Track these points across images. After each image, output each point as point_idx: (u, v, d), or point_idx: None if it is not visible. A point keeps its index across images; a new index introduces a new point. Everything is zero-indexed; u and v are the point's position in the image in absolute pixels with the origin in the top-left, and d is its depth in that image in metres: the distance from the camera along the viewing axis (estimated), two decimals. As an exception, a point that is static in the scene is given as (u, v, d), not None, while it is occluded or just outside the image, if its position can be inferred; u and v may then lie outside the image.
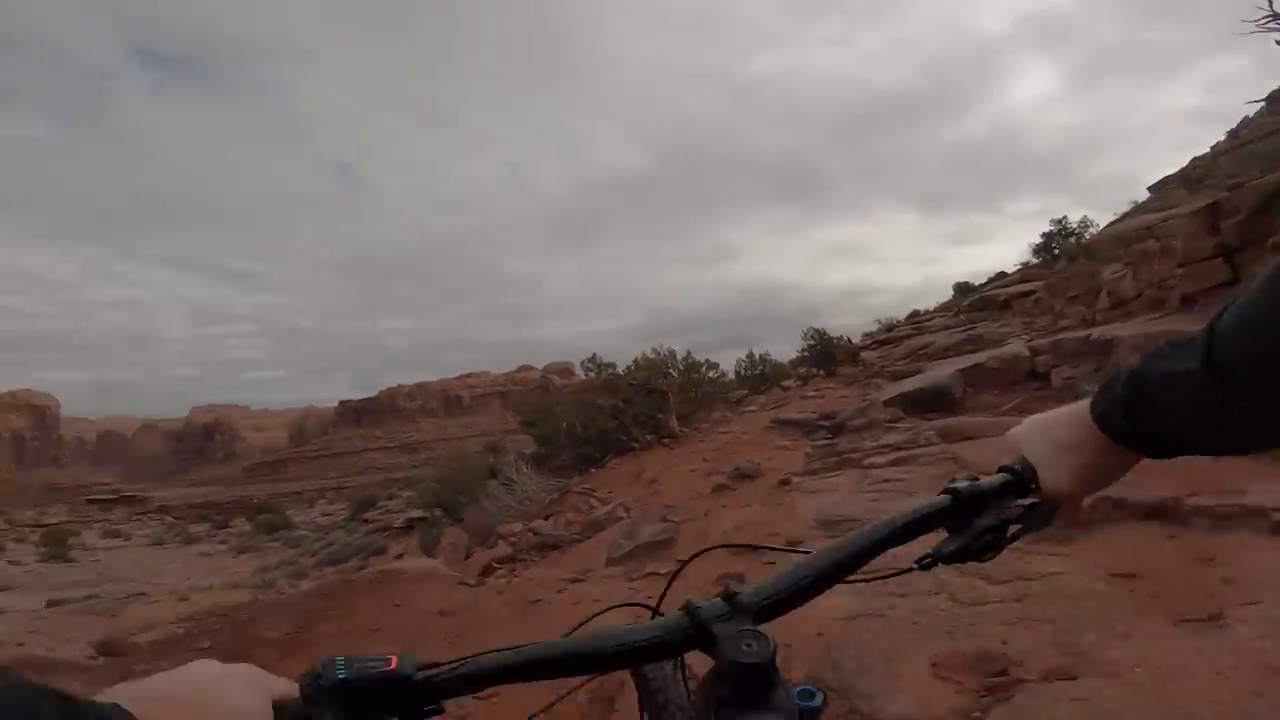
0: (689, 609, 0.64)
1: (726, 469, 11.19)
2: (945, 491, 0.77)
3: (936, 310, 37.70)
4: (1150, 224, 25.76)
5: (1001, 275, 38.47)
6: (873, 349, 28.45)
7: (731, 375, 27.51)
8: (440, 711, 0.61)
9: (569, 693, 0.76)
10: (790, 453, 12.66)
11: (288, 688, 0.57)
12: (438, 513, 17.95)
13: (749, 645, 0.57)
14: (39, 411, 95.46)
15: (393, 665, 0.57)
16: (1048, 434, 0.77)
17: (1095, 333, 12.91)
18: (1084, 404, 0.74)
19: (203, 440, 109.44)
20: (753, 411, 20.54)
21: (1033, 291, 27.72)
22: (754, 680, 0.57)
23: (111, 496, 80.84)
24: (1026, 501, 0.77)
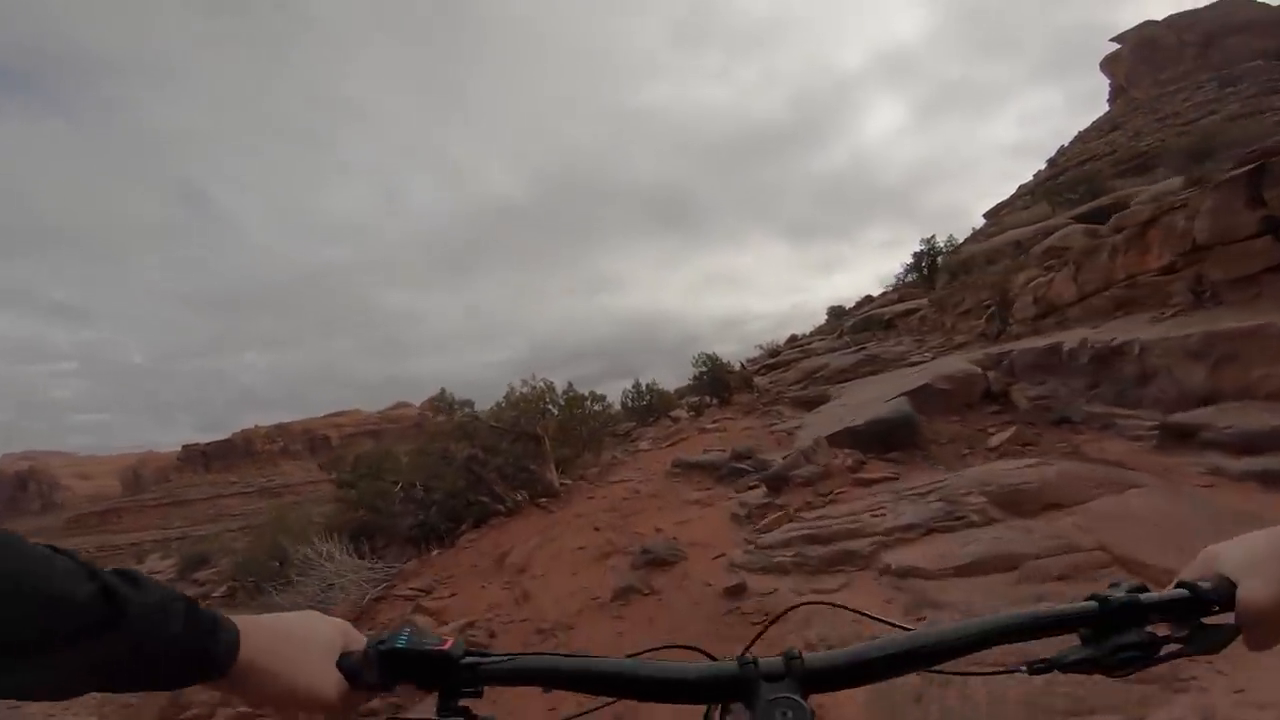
0: (741, 660, 0.61)
1: (629, 547, 7.48)
2: (1091, 597, 0.66)
3: (814, 334, 37.12)
4: (1021, 238, 25.23)
5: (870, 298, 38.24)
6: (762, 374, 26.55)
7: (618, 407, 24.17)
8: (479, 695, 0.65)
9: (599, 707, 0.70)
10: (709, 511, 9.14)
11: (357, 640, 0.67)
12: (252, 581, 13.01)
13: (785, 714, 0.54)
14: None
15: (446, 646, 0.64)
16: (1252, 545, 0.66)
17: (1061, 339, 10.40)
18: None
19: (15, 490, 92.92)
20: (646, 450, 17.04)
21: (917, 310, 26.74)
22: None
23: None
24: (1197, 623, 0.65)
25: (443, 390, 11.44)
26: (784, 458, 9.51)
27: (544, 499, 10.96)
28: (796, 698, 0.56)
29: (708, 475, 12.40)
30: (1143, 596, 0.65)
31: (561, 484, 11.55)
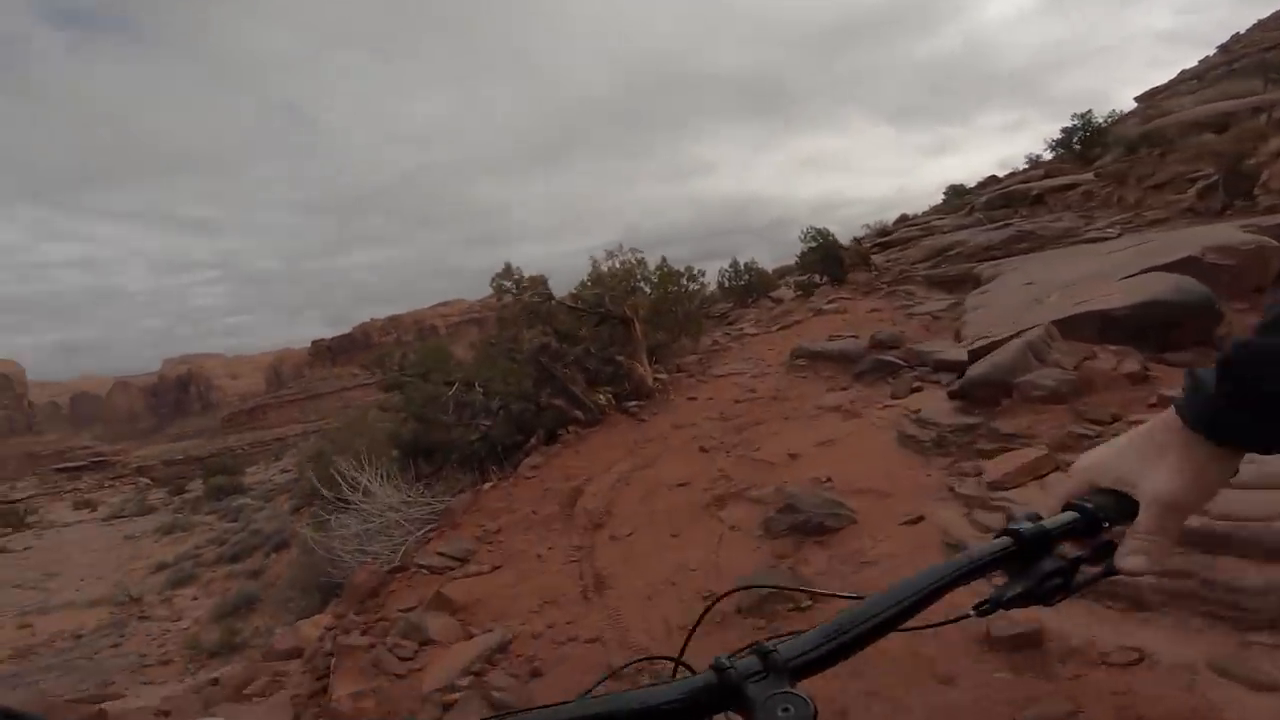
0: (717, 666, 0.55)
1: (755, 489, 4.76)
2: (1004, 533, 0.65)
3: (929, 213, 32.48)
4: (1235, 109, 19.78)
5: (996, 178, 33.71)
6: (875, 253, 22.67)
7: (713, 288, 21.28)
8: None
9: None
10: (860, 427, 6.33)
11: None
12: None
13: (786, 710, 0.50)
14: (4, 381, 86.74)
15: None
16: (1131, 450, 0.67)
17: None
18: (1166, 413, 0.65)
19: (178, 393, 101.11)
20: (753, 335, 14.10)
21: (1076, 184, 21.60)
22: None
23: (81, 464, 73.64)
24: (1099, 540, 0.65)
25: (507, 265, 8.86)
26: (973, 351, 6.36)
27: (633, 402, 8.33)
28: (792, 690, 0.51)
29: (841, 369, 9.40)
30: (1046, 522, 0.64)
31: (656, 380, 8.85)
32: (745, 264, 24.89)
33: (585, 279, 9.73)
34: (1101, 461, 0.68)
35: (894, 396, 7.21)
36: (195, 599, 14.01)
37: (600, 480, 6.01)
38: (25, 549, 33.45)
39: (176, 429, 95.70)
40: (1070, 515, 0.66)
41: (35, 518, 47.18)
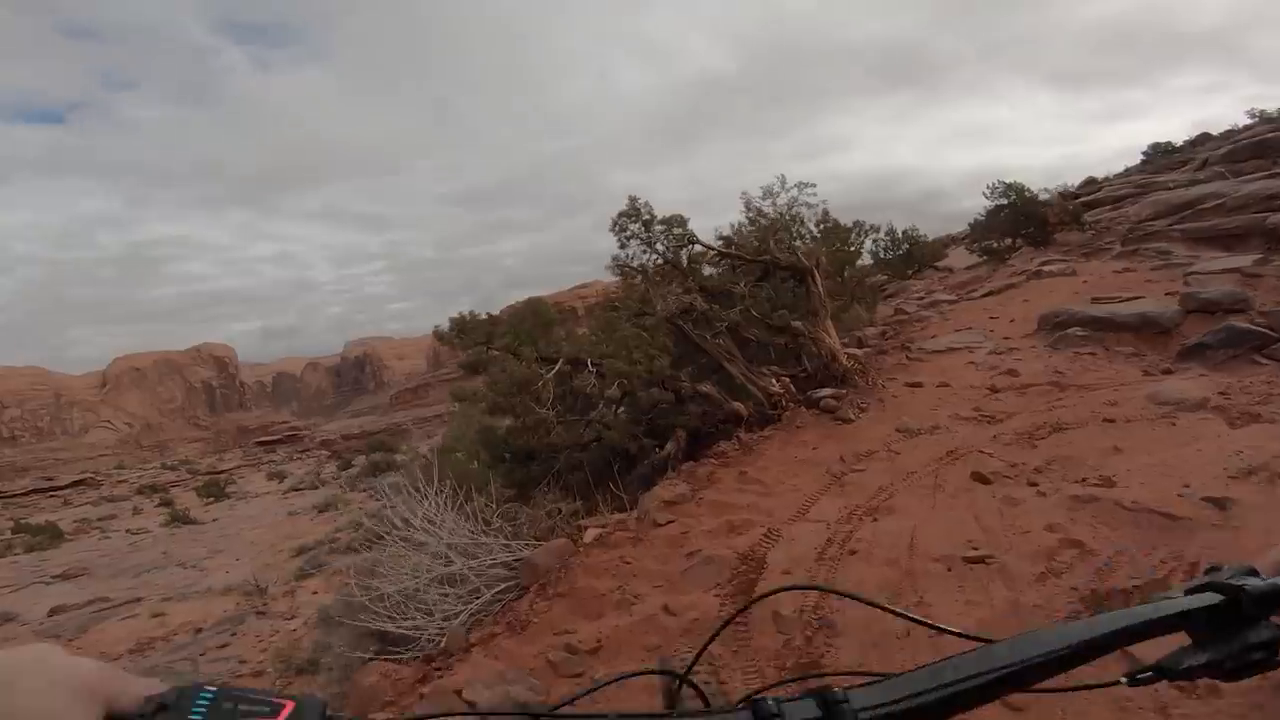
0: (758, 712, 0.40)
1: (1132, 572, 1.62)
2: (1206, 586, 0.48)
3: (1128, 174, 26.87)
4: None
5: (1209, 135, 27.28)
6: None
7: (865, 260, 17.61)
8: None
9: None
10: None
11: (133, 701, 0.36)
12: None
13: None
14: (220, 363, 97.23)
15: (282, 714, 0.35)
16: None
17: None
18: None
19: (356, 373, 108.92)
20: (951, 303, 10.36)
21: None
22: None
23: (277, 438, 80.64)
24: None
25: (632, 201, 6.01)
26: None
27: (824, 391, 5.22)
28: None
29: (1148, 343, 5.74)
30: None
31: (851, 358, 5.70)
32: (904, 231, 20.82)
33: (739, 222, 6.67)
34: None
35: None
36: (315, 593, 12.59)
37: (793, 539, 3.02)
38: (213, 520, 35.33)
39: (355, 406, 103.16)
40: None
41: (234, 487, 51.14)
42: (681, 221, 6.15)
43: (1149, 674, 0.46)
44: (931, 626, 0.54)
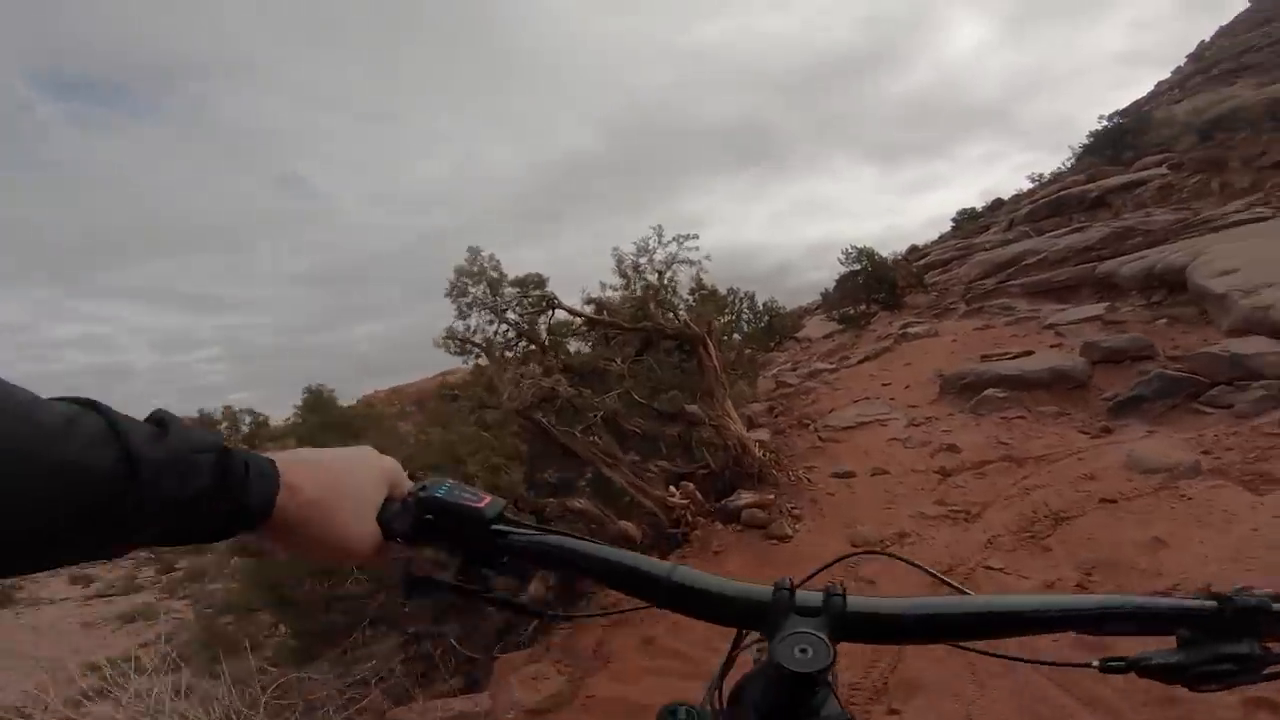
0: (778, 587, 0.48)
1: None
2: (1212, 595, 0.48)
3: (944, 239, 29.62)
4: None
5: (1000, 201, 31.44)
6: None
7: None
8: (503, 567, 0.53)
9: (632, 610, 0.56)
10: None
11: (406, 486, 0.55)
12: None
13: (803, 651, 0.43)
14: None
15: (481, 504, 0.52)
16: None
17: None
18: None
19: None
20: (832, 371, 9.74)
21: (1144, 181, 18.48)
22: (796, 689, 0.43)
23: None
24: None
25: (472, 254, 4.55)
26: None
27: (744, 497, 3.91)
28: (821, 635, 0.44)
29: (1069, 400, 5.06)
30: (1275, 605, 0.46)
31: (761, 445, 4.49)
32: (765, 303, 20.98)
33: (613, 284, 5.42)
34: None
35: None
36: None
37: None
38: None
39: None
40: None
41: (24, 593, 40.96)
42: (539, 282, 4.78)
43: (1121, 664, 0.47)
44: (938, 577, 0.62)
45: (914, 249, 28.23)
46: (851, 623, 0.46)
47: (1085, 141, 25.59)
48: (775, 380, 10.24)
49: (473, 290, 4.67)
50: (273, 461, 0.48)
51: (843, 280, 16.87)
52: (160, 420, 0.43)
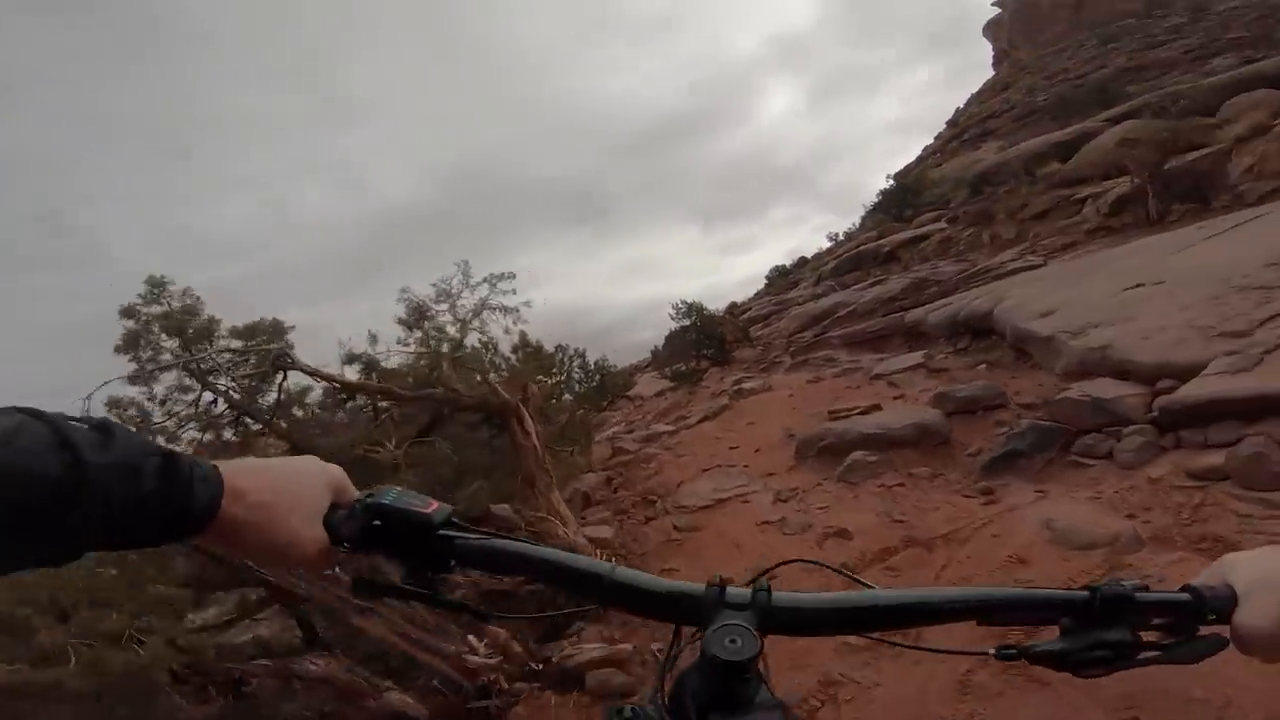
0: (710, 584, 0.52)
1: None
2: (1088, 587, 0.53)
3: (757, 296, 31.45)
4: (1040, 150, 19.93)
5: (805, 258, 34.24)
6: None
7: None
8: (449, 571, 0.54)
9: (574, 612, 0.95)
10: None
11: (351, 496, 0.56)
12: None
13: (733, 642, 0.46)
14: None
15: (428, 510, 0.53)
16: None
17: None
18: None
19: None
20: (671, 433, 8.90)
21: (927, 236, 20.18)
22: (729, 678, 0.47)
23: None
24: (1193, 632, 0.52)
25: (152, 285, 2.99)
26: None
27: (585, 649, 2.62)
28: (749, 627, 0.47)
29: (937, 458, 4.46)
30: (1138, 594, 0.51)
31: (604, 549, 3.27)
32: (597, 361, 20.22)
33: (397, 338, 4.01)
34: (1245, 559, 0.53)
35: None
36: None
37: None
38: None
39: None
40: (1179, 595, 0.52)
41: None
42: (277, 330, 3.26)
43: (1013, 651, 0.50)
44: (851, 576, 0.63)
45: (734, 305, 29.33)
46: (777, 616, 0.49)
47: (875, 200, 28.71)
48: (611, 445, 9.18)
49: (165, 343, 3.04)
50: (215, 467, 0.48)
51: (672, 337, 16.58)
52: (104, 426, 0.44)
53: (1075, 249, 12.75)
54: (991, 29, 52.56)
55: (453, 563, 0.53)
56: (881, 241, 22.01)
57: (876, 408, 6.15)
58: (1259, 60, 16.33)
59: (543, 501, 3.32)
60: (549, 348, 9.20)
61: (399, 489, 0.54)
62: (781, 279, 32.01)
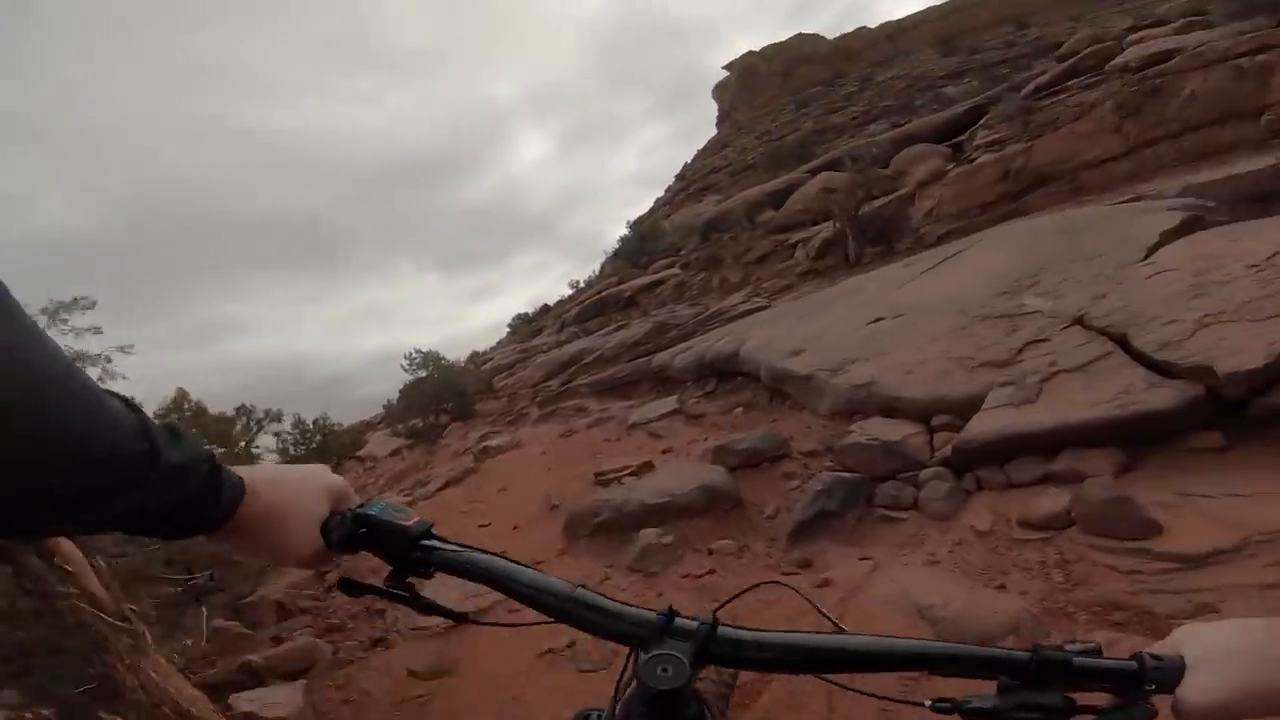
0: (660, 612, 0.54)
1: None
2: (1033, 647, 0.53)
3: (500, 344, 30.54)
4: (777, 189, 22.17)
5: (547, 306, 34.36)
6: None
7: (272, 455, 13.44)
8: (428, 576, 0.61)
9: (530, 624, 0.66)
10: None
11: (349, 504, 0.63)
12: None
13: (664, 670, 0.48)
14: None
15: (409, 523, 0.60)
16: (1233, 636, 0.50)
17: None
18: None
19: None
20: (409, 507, 7.20)
21: (664, 280, 20.87)
22: (665, 705, 0.49)
23: None
24: (1133, 702, 0.50)
25: None
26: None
27: None
28: (681, 657, 0.49)
29: (729, 525, 3.75)
30: (1077, 659, 0.50)
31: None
32: (315, 420, 17.16)
33: None
34: (1197, 631, 0.52)
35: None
36: None
37: None
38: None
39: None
40: (1124, 663, 0.51)
41: None
42: None
43: (947, 705, 0.51)
44: (821, 611, 0.70)
45: (475, 354, 27.71)
46: (716, 648, 0.51)
47: (615, 247, 29.57)
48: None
49: None
50: (242, 479, 0.54)
51: (407, 390, 14.58)
52: (174, 429, 0.48)
53: (792, 290, 13.87)
54: (719, 91, 57.91)
55: (430, 570, 0.59)
56: (622, 287, 22.48)
57: (649, 466, 5.36)
58: (904, 125, 20.23)
59: (131, 679, 1.72)
60: (227, 409, 6.97)
61: (387, 502, 0.61)
62: (525, 326, 31.24)
